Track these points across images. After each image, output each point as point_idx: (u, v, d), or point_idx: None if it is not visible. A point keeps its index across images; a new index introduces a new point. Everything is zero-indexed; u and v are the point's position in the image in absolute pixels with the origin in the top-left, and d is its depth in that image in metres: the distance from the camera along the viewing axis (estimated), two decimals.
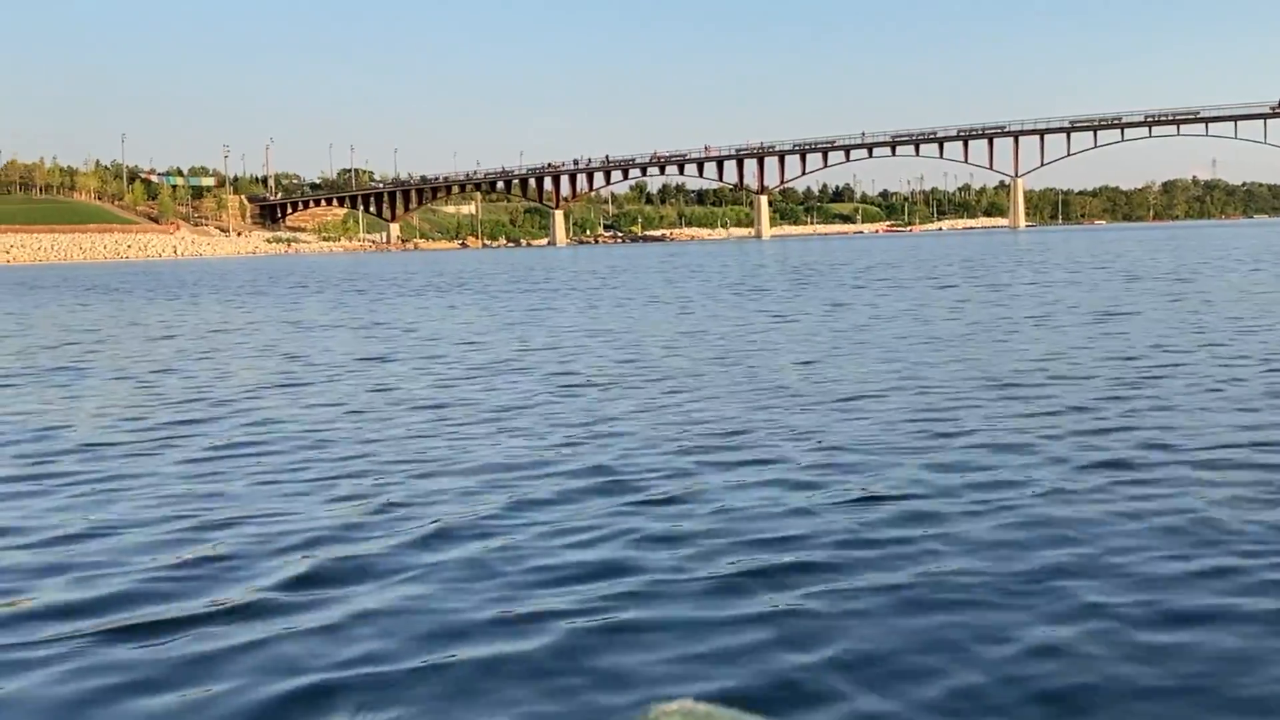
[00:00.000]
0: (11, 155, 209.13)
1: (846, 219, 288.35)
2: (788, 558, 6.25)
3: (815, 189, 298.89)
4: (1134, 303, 24.35)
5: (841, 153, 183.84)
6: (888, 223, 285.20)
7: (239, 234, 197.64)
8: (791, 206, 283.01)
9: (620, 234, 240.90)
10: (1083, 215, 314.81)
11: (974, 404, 11.25)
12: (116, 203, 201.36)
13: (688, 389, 13.17)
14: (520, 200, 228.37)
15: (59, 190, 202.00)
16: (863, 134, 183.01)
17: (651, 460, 9.01)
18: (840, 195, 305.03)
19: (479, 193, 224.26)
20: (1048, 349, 16.00)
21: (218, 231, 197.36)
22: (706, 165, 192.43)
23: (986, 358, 15.15)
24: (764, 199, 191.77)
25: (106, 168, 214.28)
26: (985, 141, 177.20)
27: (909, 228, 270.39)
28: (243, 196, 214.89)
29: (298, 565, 6.39)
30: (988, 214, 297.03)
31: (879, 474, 8.25)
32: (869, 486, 7.84)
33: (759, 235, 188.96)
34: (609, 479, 8.33)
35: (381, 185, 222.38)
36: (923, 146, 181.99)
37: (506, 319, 26.38)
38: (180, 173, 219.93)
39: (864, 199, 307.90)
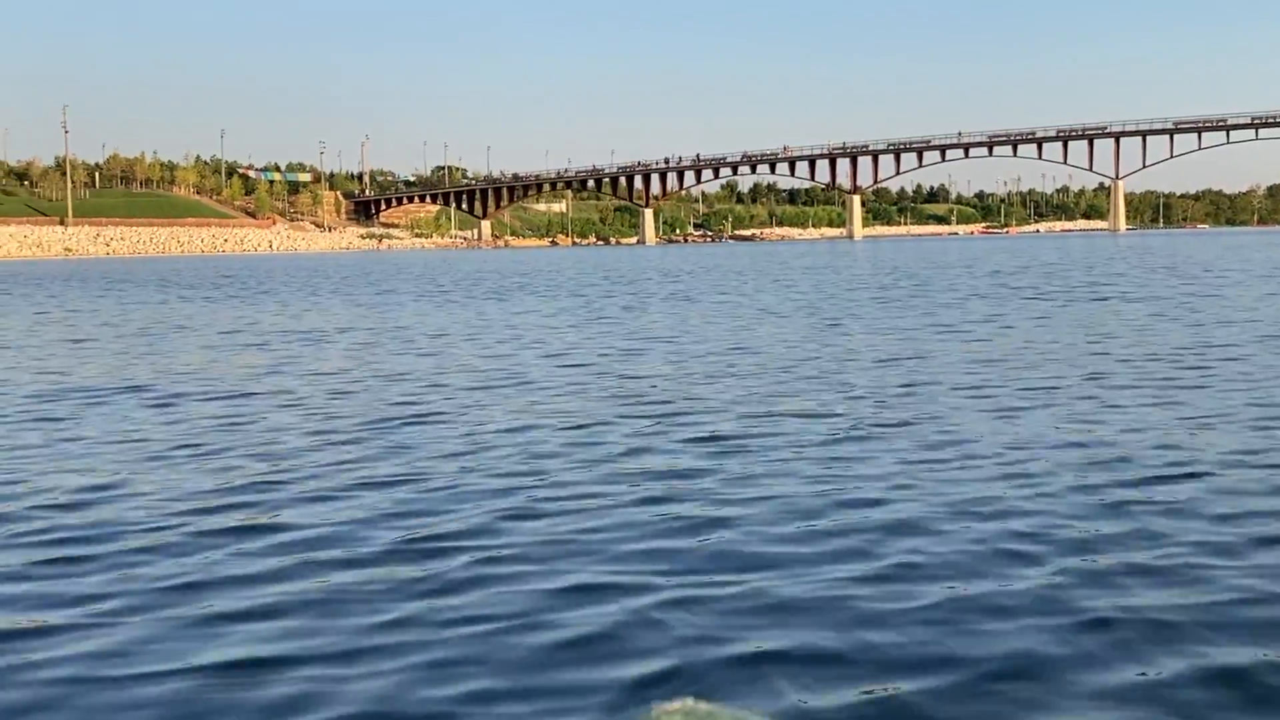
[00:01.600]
0: (114, 150, 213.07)
1: (941, 220, 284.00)
2: None
3: (909, 189, 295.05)
4: None
5: (937, 153, 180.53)
6: (983, 224, 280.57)
7: (333, 230, 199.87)
8: (885, 206, 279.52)
9: (710, 233, 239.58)
10: (1184, 219, 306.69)
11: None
12: (214, 197, 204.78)
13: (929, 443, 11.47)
14: (610, 198, 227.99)
15: (159, 184, 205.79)
16: (959, 134, 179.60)
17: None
18: (935, 196, 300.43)
19: (569, 191, 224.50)
20: None
21: (313, 227, 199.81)
22: (798, 165, 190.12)
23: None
24: (857, 199, 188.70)
25: (205, 163, 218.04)
26: (1085, 142, 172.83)
27: (1005, 229, 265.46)
28: (338, 193, 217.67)
29: None
30: (1086, 216, 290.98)
31: None
32: None
33: (851, 236, 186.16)
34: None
35: (474, 183, 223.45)
36: (1021, 147, 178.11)
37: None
38: (277, 168, 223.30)
39: (959, 200, 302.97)
